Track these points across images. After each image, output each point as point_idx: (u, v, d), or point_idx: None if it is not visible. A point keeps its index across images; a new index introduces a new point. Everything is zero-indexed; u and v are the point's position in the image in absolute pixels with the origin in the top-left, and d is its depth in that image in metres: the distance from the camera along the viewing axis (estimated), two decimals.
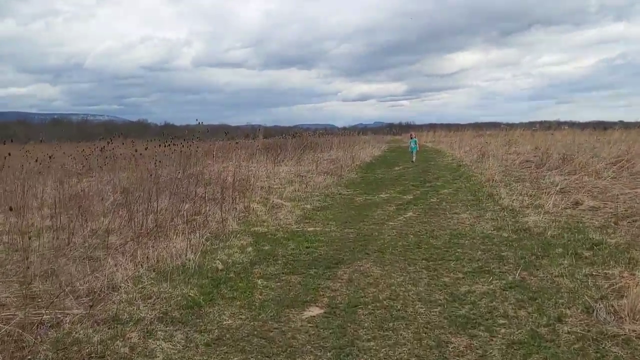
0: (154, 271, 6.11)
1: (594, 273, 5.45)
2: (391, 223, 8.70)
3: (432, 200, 11.13)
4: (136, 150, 17.95)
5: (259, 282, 5.70)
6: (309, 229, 8.47)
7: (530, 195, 10.68)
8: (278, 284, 5.61)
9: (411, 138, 24.56)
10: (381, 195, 12.15)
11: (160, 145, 17.88)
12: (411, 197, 11.73)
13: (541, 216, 8.41)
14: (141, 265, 6.24)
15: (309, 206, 10.78)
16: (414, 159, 22.39)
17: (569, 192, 10.85)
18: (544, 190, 11.30)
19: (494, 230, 7.86)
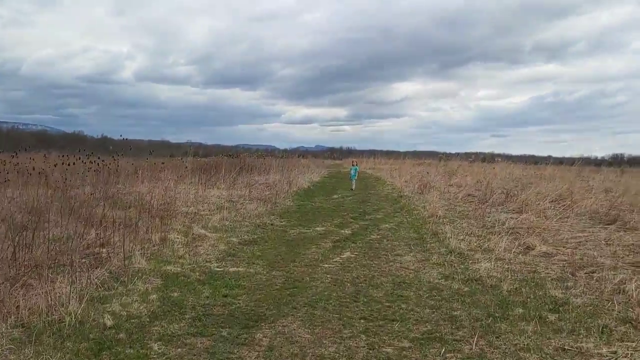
0: (22, 327, 4.77)
1: (565, 347, 4.50)
2: (326, 265, 7.61)
3: (372, 236, 10.14)
4: (55, 165, 16.28)
5: (155, 346, 4.48)
6: (230, 270, 7.27)
7: (478, 236, 9.86)
8: (179, 349, 4.40)
9: (352, 165, 24.22)
10: (317, 229, 11.07)
11: (84, 161, 16.24)
12: (349, 231, 10.71)
13: (493, 263, 7.52)
14: (5, 319, 4.87)
15: (235, 239, 9.56)
16: (353, 187, 21.91)
17: (518, 233, 10.11)
18: (491, 230, 10.54)
19: (442, 278, 6.89)
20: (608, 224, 11.73)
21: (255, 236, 10.03)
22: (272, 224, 11.56)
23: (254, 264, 7.68)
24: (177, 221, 11.26)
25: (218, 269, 7.28)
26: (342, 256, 8.25)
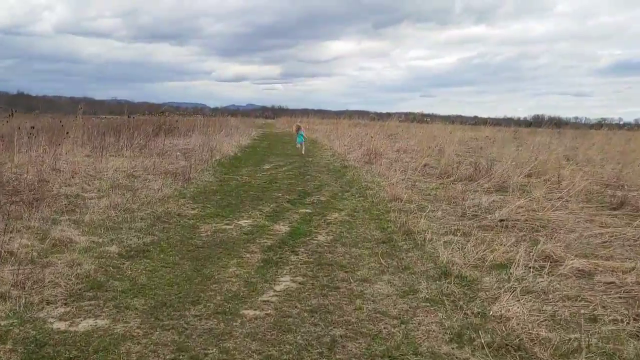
0: None
1: None
2: (250, 312, 4.43)
3: (319, 237, 7.03)
4: None
5: None
6: (79, 329, 3.99)
7: (466, 234, 6.94)
8: None
9: (297, 131, 21.68)
10: (241, 222, 7.87)
11: None
12: (287, 228, 7.56)
13: (522, 302, 4.57)
14: None
15: (115, 247, 6.24)
16: (303, 151, 19.78)
17: (520, 230, 7.29)
18: (480, 224, 7.68)
19: (453, 344, 3.89)
20: (613, 209, 9.15)
21: (149, 239, 6.71)
22: (178, 214, 8.23)
23: (126, 309, 4.42)
24: (48, 209, 7.82)
25: (58, 328, 4.00)
26: (277, 287, 5.07)
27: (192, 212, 8.52)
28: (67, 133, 16.64)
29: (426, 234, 6.88)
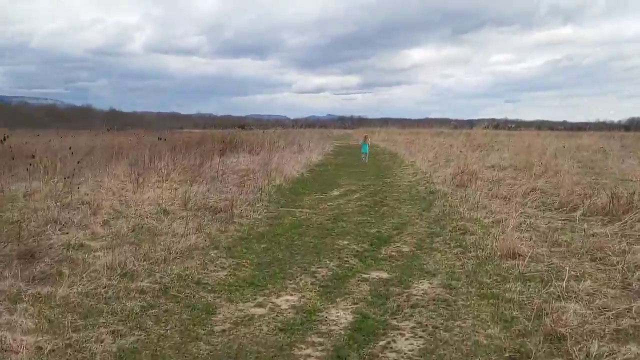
0: None
1: None
2: None
3: (398, 343, 4.20)
4: None
5: None
6: None
7: None
8: None
9: (364, 141, 22.49)
10: (281, 300, 5.18)
11: None
12: (349, 316, 4.76)
13: None
14: None
15: None
16: (366, 161, 21.09)
17: None
18: None
19: None
20: None
21: (129, 343, 4.17)
22: (197, 282, 5.67)
23: None
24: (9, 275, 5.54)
25: None
26: None
27: (219, 275, 5.93)
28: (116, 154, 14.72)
29: (586, 342, 3.89)
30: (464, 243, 7.17)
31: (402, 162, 20.94)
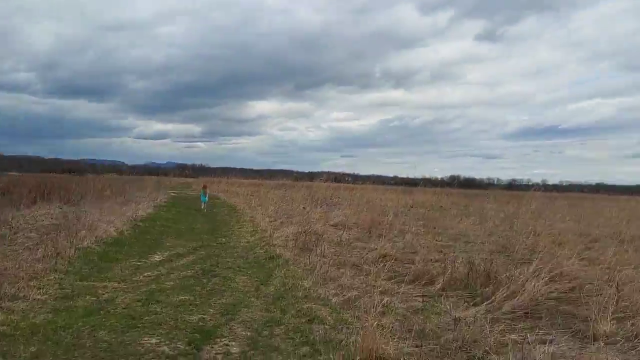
0: None
1: None
2: None
3: None
4: None
5: None
6: None
7: None
8: None
9: (204, 189, 24.16)
10: None
11: None
12: None
13: None
14: None
15: None
16: (204, 208, 22.69)
17: None
18: None
19: None
20: None
21: None
22: None
23: None
24: None
25: None
26: None
27: None
28: None
29: None
30: (312, 337, 5.51)
31: (241, 217, 19.17)
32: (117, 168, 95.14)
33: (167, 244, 12.01)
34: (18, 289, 6.91)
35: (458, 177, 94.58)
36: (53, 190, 20.50)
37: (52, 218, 14.27)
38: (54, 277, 7.83)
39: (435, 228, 15.29)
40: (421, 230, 14.31)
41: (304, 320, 6.13)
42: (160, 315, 6.22)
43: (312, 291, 7.42)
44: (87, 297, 6.98)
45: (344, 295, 7.09)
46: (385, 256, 10.06)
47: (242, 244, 12.42)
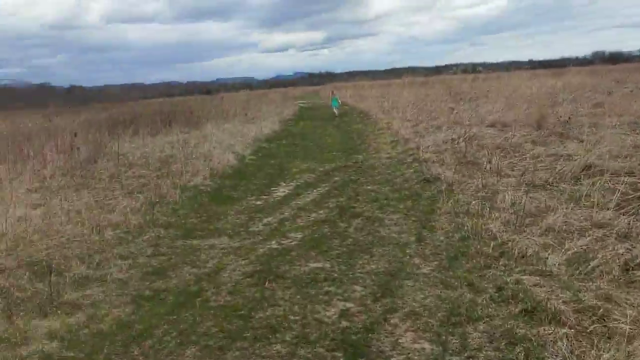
0: None
1: None
2: None
3: None
4: None
5: None
6: None
7: None
8: None
9: (332, 95, 23.49)
10: None
11: None
12: None
13: None
14: None
15: None
16: (336, 113, 21.45)
17: None
18: None
19: None
20: None
21: None
22: None
23: None
24: None
25: None
26: None
27: None
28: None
29: None
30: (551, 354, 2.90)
31: (376, 125, 16.52)
32: (247, 84, 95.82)
33: (294, 169, 9.78)
34: (98, 264, 5.01)
35: (602, 52, 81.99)
36: (176, 116, 19.24)
37: (171, 148, 12.68)
38: (149, 237, 5.88)
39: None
40: (617, 122, 10.69)
41: (517, 310, 3.51)
42: (280, 310, 3.91)
43: (506, 240, 4.71)
44: (185, 269, 4.88)
45: (567, 250, 4.31)
46: (589, 167, 6.95)
47: (383, 161, 9.86)
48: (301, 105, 31.77)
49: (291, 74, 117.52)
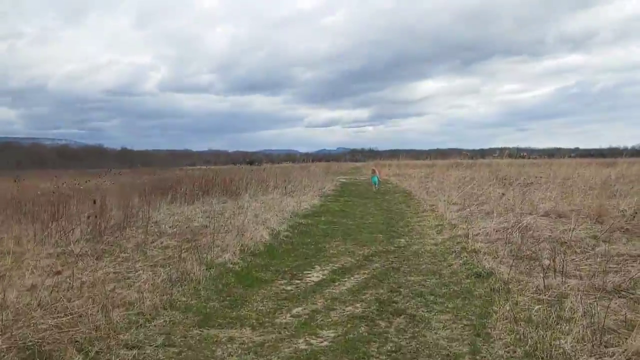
0: None
1: None
2: None
3: None
4: None
5: None
6: None
7: None
8: None
9: (373, 174, 24.10)
10: None
11: None
12: None
13: None
14: None
15: None
16: (375, 189, 21.98)
17: None
18: None
19: None
20: None
21: None
22: None
23: None
24: None
25: None
26: None
27: None
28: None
29: None
30: None
31: (419, 205, 15.78)
32: (291, 157, 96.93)
33: (331, 250, 9.05)
34: (97, 353, 4.33)
35: None
36: (216, 185, 18.98)
37: (205, 217, 12.20)
38: (163, 321, 5.19)
39: None
40: None
41: None
42: None
43: None
44: None
45: None
46: None
47: (428, 248, 9.04)
48: (342, 180, 31.35)
49: (334, 149, 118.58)
